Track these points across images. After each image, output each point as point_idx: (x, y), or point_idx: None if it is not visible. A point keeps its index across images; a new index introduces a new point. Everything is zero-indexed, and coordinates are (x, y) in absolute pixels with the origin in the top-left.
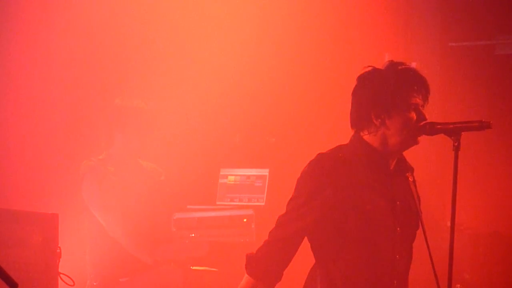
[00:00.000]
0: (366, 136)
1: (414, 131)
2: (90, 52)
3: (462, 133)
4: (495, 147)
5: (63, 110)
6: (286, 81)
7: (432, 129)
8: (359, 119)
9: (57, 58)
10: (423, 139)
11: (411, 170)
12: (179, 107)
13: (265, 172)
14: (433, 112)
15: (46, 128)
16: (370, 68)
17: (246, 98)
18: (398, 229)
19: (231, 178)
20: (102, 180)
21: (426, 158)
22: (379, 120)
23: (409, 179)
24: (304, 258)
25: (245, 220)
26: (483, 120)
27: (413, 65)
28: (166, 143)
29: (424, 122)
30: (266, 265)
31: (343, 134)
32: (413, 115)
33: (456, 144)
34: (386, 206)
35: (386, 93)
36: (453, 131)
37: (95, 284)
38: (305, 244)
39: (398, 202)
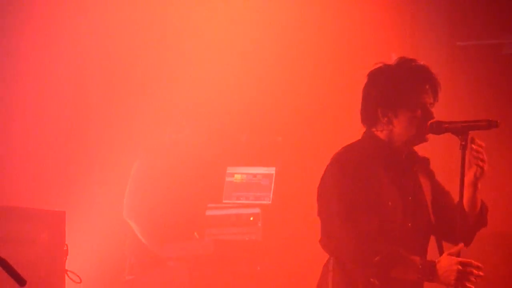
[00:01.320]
0: (377, 132)
1: (421, 130)
2: (97, 49)
3: (470, 132)
4: (502, 147)
5: (71, 107)
6: (293, 80)
7: (439, 128)
8: (367, 116)
9: (63, 54)
10: (430, 138)
11: (425, 161)
12: (186, 106)
13: (271, 170)
14: (439, 111)
15: (54, 125)
16: (380, 65)
17: (253, 97)
18: (410, 224)
19: (238, 176)
20: (157, 167)
21: (431, 157)
22: (386, 118)
23: (419, 171)
24: (313, 258)
25: (251, 218)
26: (491, 119)
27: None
28: (172, 141)
29: (431, 121)
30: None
31: (350, 132)
32: (420, 114)
33: (463, 143)
34: (400, 202)
35: (393, 91)
36: (461, 130)
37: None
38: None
39: (409, 197)
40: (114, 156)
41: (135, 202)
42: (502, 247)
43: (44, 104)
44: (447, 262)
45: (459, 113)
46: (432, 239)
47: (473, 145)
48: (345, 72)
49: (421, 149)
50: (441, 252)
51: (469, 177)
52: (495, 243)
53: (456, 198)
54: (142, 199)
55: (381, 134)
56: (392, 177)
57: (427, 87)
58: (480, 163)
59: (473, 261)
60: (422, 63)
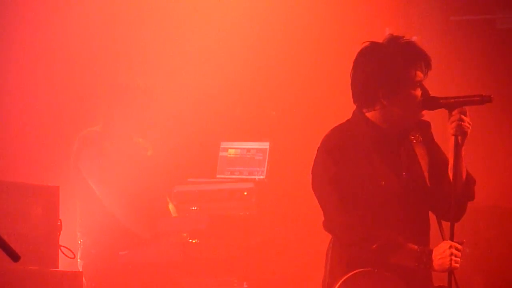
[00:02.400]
0: (368, 113)
1: (415, 108)
2: (91, 27)
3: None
4: (497, 121)
5: (64, 82)
6: (286, 54)
7: (434, 103)
8: (364, 96)
9: (57, 31)
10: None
11: (423, 125)
12: (180, 81)
13: (265, 145)
14: (433, 86)
15: (48, 100)
16: (369, 43)
17: (247, 71)
18: (404, 199)
19: (232, 151)
20: (100, 154)
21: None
22: (376, 97)
23: (413, 140)
24: (306, 232)
25: (245, 193)
26: (484, 94)
27: (414, 39)
28: (166, 116)
29: (426, 97)
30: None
31: (344, 107)
32: (419, 92)
33: None
34: (394, 179)
35: (382, 69)
36: (454, 105)
37: (93, 252)
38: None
39: (404, 173)
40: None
41: (109, 192)
42: (501, 221)
43: (37, 78)
44: (441, 248)
45: (453, 88)
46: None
47: (456, 111)
48: (339, 47)
49: None
50: (442, 232)
51: (450, 144)
52: (494, 217)
53: None
54: (112, 187)
55: (371, 114)
56: (383, 156)
57: (417, 63)
58: (463, 129)
59: (460, 245)
60: (411, 39)
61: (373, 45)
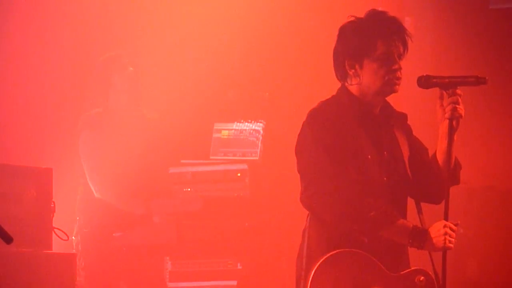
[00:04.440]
0: (349, 86)
1: (388, 80)
2: (87, 12)
3: (458, 87)
4: (491, 101)
5: (55, 64)
6: (279, 35)
7: (428, 82)
8: (337, 70)
9: (54, 15)
10: (418, 92)
11: (401, 116)
12: (172, 63)
13: (259, 126)
14: (427, 65)
15: (41, 82)
16: (352, 18)
17: (240, 52)
18: (385, 178)
19: (225, 132)
20: (98, 137)
21: (414, 111)
22: (353, 70)
23: (395, 126)
24: (300, 214)
25: (239, 174)
26: (479, 75)
27: (407, 19)
28: (159, 98)
29: (420, 75)
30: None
31: (337, 87)
32: (386, 64)
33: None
34: (377, 155)
35: (358, 42)
36: (448, 85)
37: (85, 230)
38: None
39: (385, 152)
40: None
41: (99, 178)
42: (495, 201)
43: (29, 62)
44: (436, 228)
45: (446, 67)
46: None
47: (450, 94)
48: (331, 26)
49: (404, 103)
50: (419, 213)
51: (443, 128)
52: (488, 198)
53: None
54: (102, 172)
55: (352, 88)
56: (368, 131)
57: (394, 37)
58: (458, 112)
59: (455, 225)
60: (391, 15)
61: (353, 20)
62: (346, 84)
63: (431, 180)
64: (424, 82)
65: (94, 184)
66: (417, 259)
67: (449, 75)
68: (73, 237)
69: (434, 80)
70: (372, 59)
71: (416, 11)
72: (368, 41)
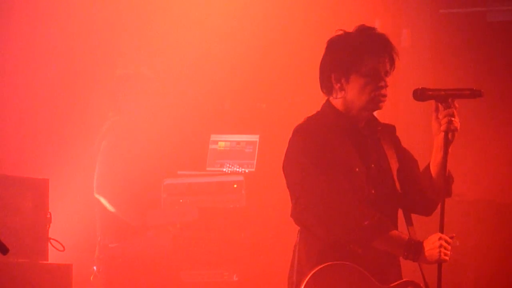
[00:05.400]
0: (333, 101)
1: (374, 97)
2: (86, 21)
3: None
4: (487, 114)
5: (52, 74)
6: (276, 46)
7: (423, 95)
8: (323, 84)
9: (55, 25)
10: (413, 105)
11: (389, 128)
12: (169, 73)
13: (255, 138)
14: (423, 78)
15: (37, 93)
16: (340, 32)
17: (237, 64)
18: (373, 191)
19: (222, 144)
20: (111, 145)
21: (414, 125)
22: (339, 84)
23: (381, 139)
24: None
25: (235, 186)
26: (475, 88)
27: (404, 31)
28: (156, 109)
29: (416, 88)
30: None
31: None
32: (372, 80)
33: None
34: (364, 168)
35: (346, 56)
36: (444, 98)
37: (111, 246)
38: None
39: (372, 165)
40: (98, 123)
41: (105, 179)
42: (490, 214)
43: (27, 71)
44: (431, 240)
45: (443, 80)
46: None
47: (445, 107)
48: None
49: (399, 116)
50: (409, 225)
51: (439, 140)
52: (484, 210)
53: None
54: (112, 175)
55: (337, 102)
56: (354, 145)
57: (382, 54)
58: (453, 125)
59: (450, 238)
60: (380, 31)
61: (341, 34)
62: (331, 98)
63: (421, 192)
64: (420, 94)
65: (98, 182)
66: (409, 270)
67: (444, 87)
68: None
69: (430, 92)
70: (359, 75)
71: (414, 23)
72: (356, 56)
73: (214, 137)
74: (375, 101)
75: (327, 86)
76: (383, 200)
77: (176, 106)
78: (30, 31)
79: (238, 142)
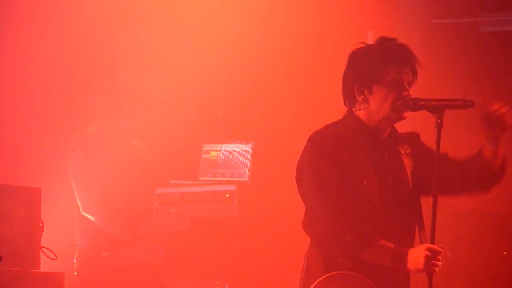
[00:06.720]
0: (357, 112)
1: (397, 107)
2: (82, 27)
3: (446, 110)
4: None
5: (47, 83)
6: (271, 56)
7: (415, 105)
8: (346, 96)
9: (49, 30)
10: (408, 116)
11: (413, 137)
12: (162, 83)
13: (248, 147)
14: (416, 89)
15: (30, 101)
16: (361, 45)
17: (230, 73)
18: (390, 204)
19: (214, 153)
20: (90, 156)
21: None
22: (362, 96)
23: (402, 151)
24: (288, 235)
25: (227, 195)
26: (467, 98)
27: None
28: (149, 118)
29: (408, 98)
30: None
31: (328, 109)
32: (395, 91)
33: (439, 121)
34: (379, 181)
35: (368, 68)
36: (436, 108)
37: (89, 254)
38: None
39: (390, 177)
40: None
41: (88, 196)
42: (483, 224)
43: (19, 80)
44: (416, 250)
45: (435, 91)
46: None
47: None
48: (322, 49)
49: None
50: (421, 231)
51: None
52: (476, 221)
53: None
54: (90, 194)
55: (360, 113)
56: (371, 157)
57: (404, 64)
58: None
59: (439, 248)
60: (401, 42)
61: (363, 46)
62: (354, 109)
63: (464, 182)
64: (411, 105)
65: (81, 201)
66: (418, 281)
67: (436, 97)
68: (74, 260)
69: (422, 103)
70: (382, 85)
71: (406, 34)
72: (379, 67)
73: (206, 146)
74: (398, 110)
75: (350, 98)
76: (400, 212)
77: (168, 115)
78: (25, 45)
79: (230, 152)
